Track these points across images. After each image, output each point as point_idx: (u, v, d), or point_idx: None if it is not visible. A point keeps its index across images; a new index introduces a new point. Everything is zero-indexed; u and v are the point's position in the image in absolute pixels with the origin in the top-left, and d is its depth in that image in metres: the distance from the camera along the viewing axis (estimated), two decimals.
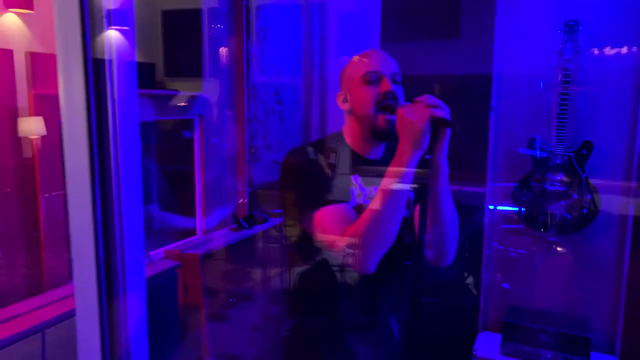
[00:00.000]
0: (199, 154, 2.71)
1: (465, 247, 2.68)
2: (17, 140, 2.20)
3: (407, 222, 1.33)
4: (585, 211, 2.25)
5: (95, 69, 0.58)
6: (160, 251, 2.20)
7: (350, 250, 1.22)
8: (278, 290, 2.86)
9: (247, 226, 2.39)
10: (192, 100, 2.53)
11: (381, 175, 1.25)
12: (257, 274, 2.78)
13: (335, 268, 1.41)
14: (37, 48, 2.27)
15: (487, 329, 2.55)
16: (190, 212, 2.67)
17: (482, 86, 2.47)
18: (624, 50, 2.20)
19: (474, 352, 2.34)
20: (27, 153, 2.22)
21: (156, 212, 2.23)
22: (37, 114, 2.22)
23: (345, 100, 1.39)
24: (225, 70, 2.58)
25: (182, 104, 2.48)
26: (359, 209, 1.31)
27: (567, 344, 2.21)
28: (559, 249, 2.38)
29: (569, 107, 2.22)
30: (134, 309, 0.54)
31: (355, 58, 1.41)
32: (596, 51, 2.25)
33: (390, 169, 1.22)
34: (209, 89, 2.70)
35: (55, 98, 0.59)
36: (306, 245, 1.42)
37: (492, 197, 2.49)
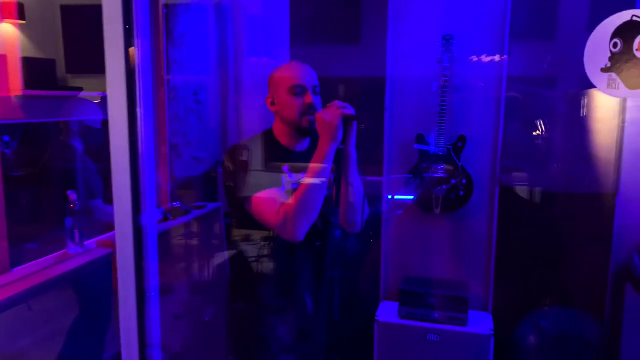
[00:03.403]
0: None
1: (368, 229, 3.03)
2: None
3: (327, 199, 1.60)
4: (462, 193, 2.61)
5: None
6: (92, 241, 2.31)
7: (284, 223, 1.50)
8: (200, 280, 3.03)
9: (171, 218, 2.56)
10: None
11: (307, 165, 1.53)
12: (179, 264, 2.93)
13: (260, 250, 1.65)
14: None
15: (387, 298, 2.83)
16: None
17: (378, 88, 2.71)
18: (489, 59, 2.59)
19: (376, 318, 2.59)
20: None
21: (101, 205, 2.33)
22: None
23: (273, 104, 1.62)
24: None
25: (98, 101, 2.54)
26: (289, 193, 1.56)
27: (449, 304, 2.54)
28: (442, 225, 2.74)
29: (448, 107, 2.55)
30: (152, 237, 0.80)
31: (282, 67, 1.65)
32: (473, 59, 2.59)
33: (314, 158, 1.51)
34: None
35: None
36: (238, 231, 1.67)
37: (389, 186, 2.78)
